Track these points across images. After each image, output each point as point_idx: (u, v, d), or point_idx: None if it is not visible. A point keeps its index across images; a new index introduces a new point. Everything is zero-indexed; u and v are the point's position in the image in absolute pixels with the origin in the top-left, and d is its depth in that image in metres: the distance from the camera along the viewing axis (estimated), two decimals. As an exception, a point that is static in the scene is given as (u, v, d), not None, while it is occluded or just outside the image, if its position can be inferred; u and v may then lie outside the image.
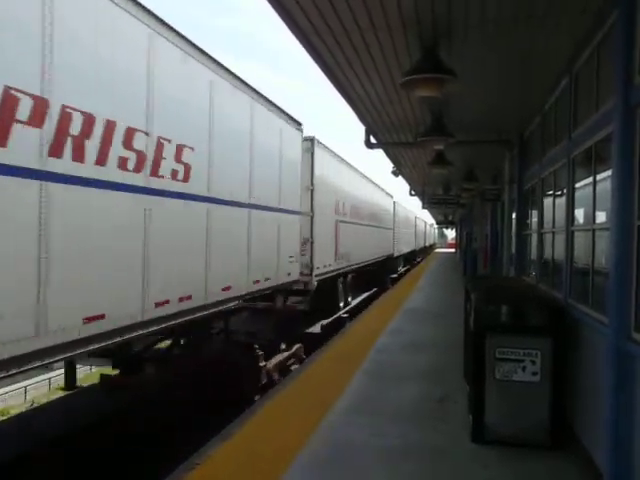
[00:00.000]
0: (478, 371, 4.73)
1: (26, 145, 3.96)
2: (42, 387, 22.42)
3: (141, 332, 5.40)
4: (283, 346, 9.88)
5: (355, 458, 4.35)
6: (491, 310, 4.77)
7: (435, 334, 9.68)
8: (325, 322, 12.56)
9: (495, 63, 5.94)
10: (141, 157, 5.29)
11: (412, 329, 10.18)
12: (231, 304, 7.37)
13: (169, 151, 5.77)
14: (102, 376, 7.64)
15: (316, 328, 12.13)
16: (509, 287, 6.67)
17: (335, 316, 13.67)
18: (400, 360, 7.68)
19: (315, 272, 11.55)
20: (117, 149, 4.93)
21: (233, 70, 7.21)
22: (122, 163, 5.01)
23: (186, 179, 6.12)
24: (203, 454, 4.44)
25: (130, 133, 5.11)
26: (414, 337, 9.34)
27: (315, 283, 11.44)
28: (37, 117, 4.03)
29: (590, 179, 4.83)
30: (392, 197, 27.18)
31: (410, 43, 5.21)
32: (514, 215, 9.95)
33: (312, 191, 11.57)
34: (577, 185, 5.44)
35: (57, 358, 4.46)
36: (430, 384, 6.45)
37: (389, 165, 14.40)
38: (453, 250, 56.96)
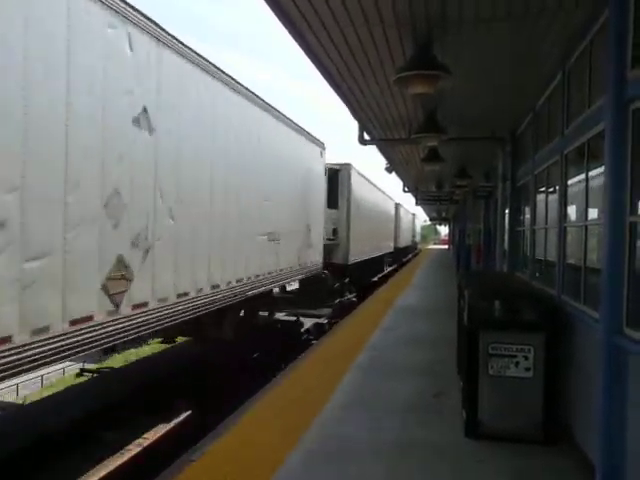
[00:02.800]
0: (471, 367, 4.75)
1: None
2: (33, 385, 22.27)
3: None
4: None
5: (350, 453, 4.36)
6: (484, 306, 4.79)
7: (427, 330, 9.71)
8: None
9: (488, 60, 5.95)
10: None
11: (405, 326, 10.20)
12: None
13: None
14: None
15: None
16: (502, 283, 6.71)
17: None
18: (393, 356, 7.69)
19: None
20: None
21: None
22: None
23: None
24: (198, 450, 4.44)
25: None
26: (407, 334, 9.36)
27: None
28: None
29: (583, 176, 4.86)
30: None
31: (404, 39, 5.21)
32: (507, 212, 9.99)
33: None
34: (570, 182, 5.46)
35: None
36: (424, 380, 6.47)
37: (381, 160, 14.43)
38: (446, 247, 57.41)
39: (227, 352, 9.18)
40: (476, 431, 4.66)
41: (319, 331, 12.45)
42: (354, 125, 9.33)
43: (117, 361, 19.56)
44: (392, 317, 11.22)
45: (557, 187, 5.81)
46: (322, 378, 6.49)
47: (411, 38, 5.12)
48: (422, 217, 61.21)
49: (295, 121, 11.17)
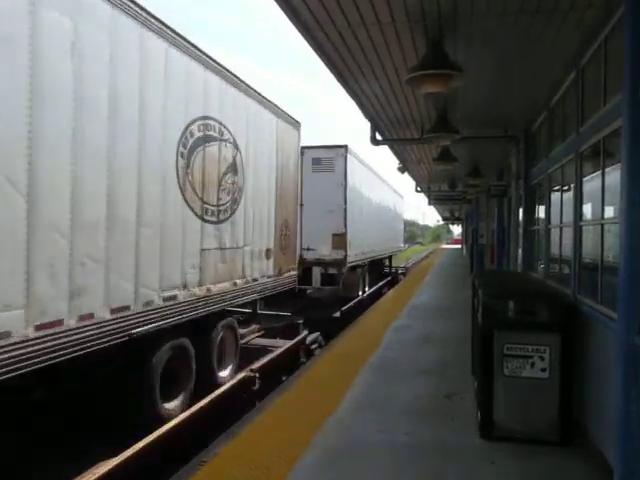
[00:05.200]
0: (486, 367, 4.71)
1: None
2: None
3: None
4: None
5: (362, 455, 4.34)
6: (499, 306, 4.74)
7: (442, 329, 9.66)
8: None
9: (501, 58, 5.89)
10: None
11: (419, 325, 10.16)
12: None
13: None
14: None
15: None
16: (517, 283, 6.64)
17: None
18: (407, 355, 7.66)
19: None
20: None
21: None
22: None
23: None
24: (210, 452, 4.44)
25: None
26: (421, 333, 9.31)
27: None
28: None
29: (598, 174, 4.80)
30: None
31: (415, 38, 5.18)
32: (521, 211, 9.90)
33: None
34: (585, 180, 5.40)
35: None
36: (437, 380, 6.43)
37: (390, 160, 14.38)
38: (459, 246, 57.34)
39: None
40: (490, 432, 4.62)
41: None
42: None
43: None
44: (406, 316, 11.17)
45: (572, 185, 5.74)
46: (335, 378, 6.48)
47: (423, 36, 5.09)
48: (434, 216, 61.14)
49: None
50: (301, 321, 11.18)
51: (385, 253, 24.15)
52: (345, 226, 14.71)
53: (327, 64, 6.02)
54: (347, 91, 7.20)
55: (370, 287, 19.01)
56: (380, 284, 21.43)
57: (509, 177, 11.95)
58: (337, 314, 13.71)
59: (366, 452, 4.39)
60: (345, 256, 14.66)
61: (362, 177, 17.42)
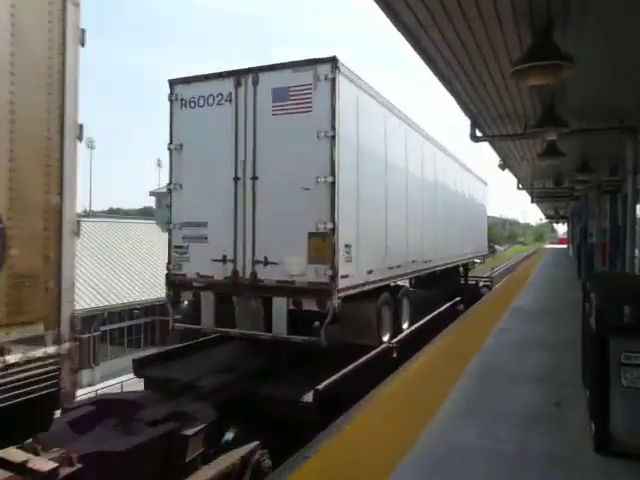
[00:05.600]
0: (600, 376, 4.40)
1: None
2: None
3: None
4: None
5: (466, 462, 4.23)
6: (616, 310, 4.41)
7: (550, 332, 9.18)
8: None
9: (617, 43, 5.49)
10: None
11: (522, 328, 9.72)
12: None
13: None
14: None
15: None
16: (635, 285, 6.15)
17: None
18: (510, 360, 7.36)
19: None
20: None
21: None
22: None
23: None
24: (312, 448, 4.55)
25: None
26: (524, 336, 8.91)
27: None
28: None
29: None
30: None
31: (521, 30, 4.98)
32: (639, 208, 9.15)
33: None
34: None
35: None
36: (545, 387, 6.12)
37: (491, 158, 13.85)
38: (565, 246, 54.13)
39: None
40: (607, 446, 4.30)
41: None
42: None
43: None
44: (508, 319, 10.73)
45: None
46: (433, 381, 6.37)
47: (528, 28, 4.89)
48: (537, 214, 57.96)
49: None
50: (196, 431, 5.29)
51: (452, 263, 14.60)
52: (332, 218, 6.92)
53: (428, 64, 5.96)
54: (448, 89, 7.09)
55: (415, 321, 10.51)
56: (439, 311, 12.58)
57: (624, 172, 11.09)
58: (309, 397, 6.34)
59: (469, 460, 4.27)
60: (333, 276, 6.92)
61: (384, 125, 8.73)
